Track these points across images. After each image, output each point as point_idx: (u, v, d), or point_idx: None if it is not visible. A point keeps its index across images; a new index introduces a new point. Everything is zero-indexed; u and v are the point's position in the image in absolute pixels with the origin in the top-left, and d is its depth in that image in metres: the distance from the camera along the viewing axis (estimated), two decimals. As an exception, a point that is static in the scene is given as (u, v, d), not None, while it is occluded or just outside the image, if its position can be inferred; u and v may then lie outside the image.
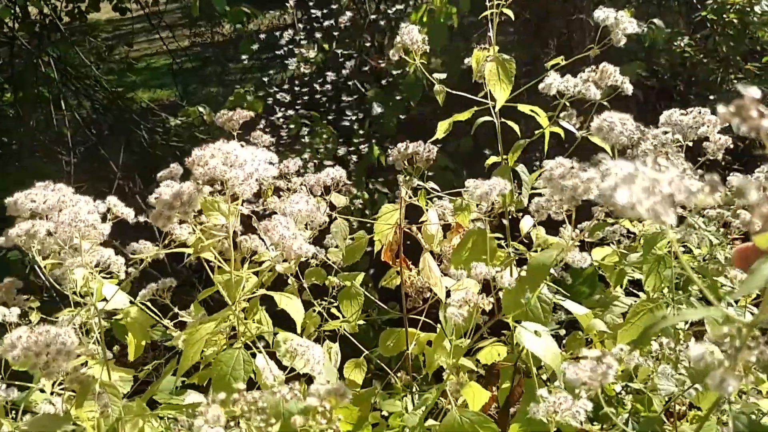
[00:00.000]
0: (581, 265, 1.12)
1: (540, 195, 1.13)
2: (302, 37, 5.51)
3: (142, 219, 1.17)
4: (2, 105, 5.58)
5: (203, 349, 1.04)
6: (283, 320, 1.29)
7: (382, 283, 1.64)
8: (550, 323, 1.76)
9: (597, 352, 0.70)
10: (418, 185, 1.42)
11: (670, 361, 1.33)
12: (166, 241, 1.10)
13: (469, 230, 1.36)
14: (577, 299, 1.44)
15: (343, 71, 5.30)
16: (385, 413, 1.49)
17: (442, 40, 3.99)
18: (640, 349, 1.36)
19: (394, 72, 4.91)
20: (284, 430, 0.75)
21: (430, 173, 1.42)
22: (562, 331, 2.04)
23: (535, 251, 1.35)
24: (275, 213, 1.14)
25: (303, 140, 4.47)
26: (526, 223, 1.41)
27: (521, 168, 1.37)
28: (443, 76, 1.44)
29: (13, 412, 1.23)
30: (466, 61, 1.42)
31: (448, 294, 1.43)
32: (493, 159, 1.44)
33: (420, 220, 1.51)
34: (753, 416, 1.43)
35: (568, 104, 1.30)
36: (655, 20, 4.46)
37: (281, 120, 4.72)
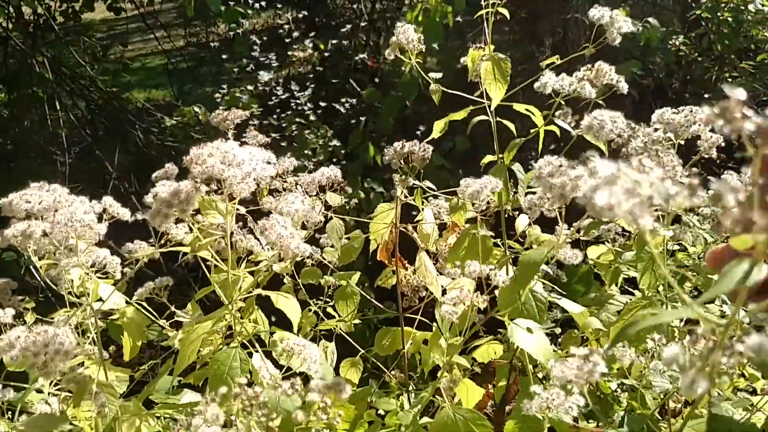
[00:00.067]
0: (573, 261, 1.12)
1: (535, 193, 1.13)
2: (297, 36, 5.51)
3: (138, 218, 1.17)
4: (-3, 106, 5.57)
5: (199, 349, 1.04)
6: (279, 320, 1.29)
7: (378, 283, 1.65)
8: (546, 321, 1.76)
9: (584, 350, 0.71)
10: (414, 184, 1.42)
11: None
12: (162, 241, 1.10)
13: (465, 229, 1.37)
14: (573, 297, 1.44)
15: (339, 71, 5.30)
16: (381, 412, 1.49)
17: (437, 39, 4.00)
18: (635, 347, 1.37)
19: (390, 71, 4.91)
20: (285, 424, 0.76)
21: (425, 172, 1.42)
22: (558, 330, 2.05)
23: (528, 248, 1.35)
24: (270, 212, 1.14)
25: (298, 139, 4.47)
26: (521, 222, 1.42)
27: (517, 167, 1.37)
28: (439, 75, 1.44)
29: (9, 413, 1.23)
30: (462, 60, 1.42)
31: (444, 293, 1.43)
32: (489, 158, 1.44)
33: (416, 219, 1.51)
34: (743, 413, 1.44)
35: (563, 103, 1.30)
36: (650, 19, 4.47)
37: (277, 119, 4.71)
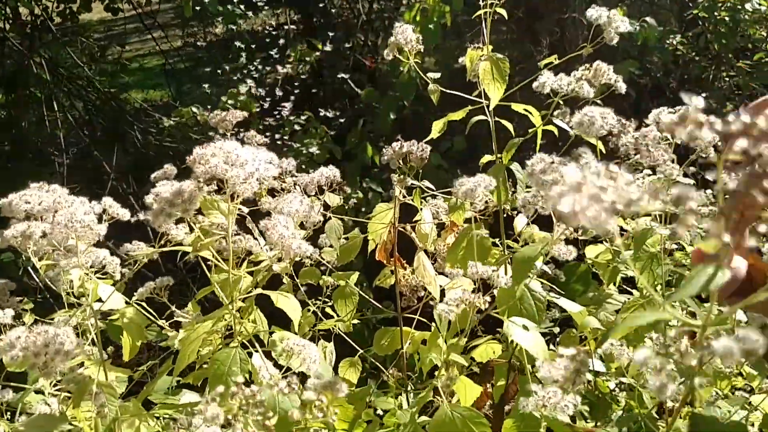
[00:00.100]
0: (567, 258, 1.13)
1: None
2: (295, 36, 5.51)
3: (136, 218, 1.18)
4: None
5: (199, 349, 1.05)
6: (277, 320, 1.29)
7: (376, 282, 1.65)
8: (545, 321, 1.76)
9: (572, 351, 0.71)
10: (413, 184, 1.42)
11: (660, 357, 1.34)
12: (162, 241, 1.10)
13: (464, 229, 1.37)
14: (571, 297, 1.45)
15: (337, 71, 5.31)
16: (379, 411, 1.50)
17: (435, 40, 4.00)
18: (633, 346, 1.37)
19: (388, 71, 4.91)
20: (282, 423, 0.76)
21: (423, 172, 1.42)
22: (557, 329, 2.05)
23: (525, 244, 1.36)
24: (269, 213, 1.14)
25: (296, 139, 4.47)
26: (520, 222, 1.42)
27: (516, 166, 1.38)
28: (438, 75, 1.44)
29: (8, 414, 1.23)
30: (460, 60, 1.43)
31: (442, 292, 1.43)
32: (487, 158, 1.44)
33: (414, 219, 1.51)
34: (741, 411, 1.44)
35: (561, 102, 1.30)
36: (648, 18, 4.48)
37: (275, 119, 4.72)
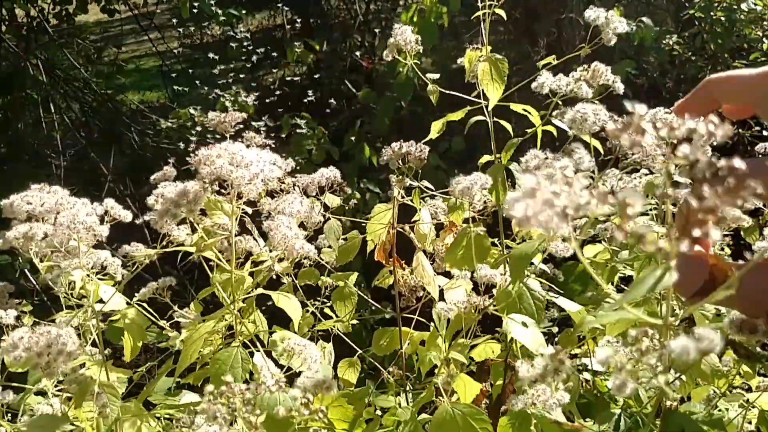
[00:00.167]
0: (564, 254, 1.14)
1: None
2: (292, 37, 5.52)
3: (134, 220, 1.18)
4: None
5: (200, 349, 1.05)
6: (276, 321, 1.30)
7: (375, 283, 1.65)
8: (543, 320, 1.77)
9: (551, 350, 0.71)
10: (411, 185, 1.43)
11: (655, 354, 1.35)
12: (164, 242, 1.11)
13: (463, 229, 1.37)
14: (570, 296, 1.45)
15: (334, 71, 5.31)
16: (379, 411, 1.50)
17: (432, 40, 4.01)
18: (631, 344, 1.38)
19: (385, 71, 4.92)
20: (273, 422, 0.76)
21: (421, 173, 1.43)
22: (555, 329, 2.06)
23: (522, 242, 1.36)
24: (270, 213, 1.15)
25: (294, 140, 4.48)
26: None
27: (514, 166, 1.38)
28: (437, 76, 1.45)
29: (9, 415, 1.23)
30: (459, 61, 1.43)
31: (441, 292, 1.44)
32: (486, 158, 1.45)
33: (413, 220, 1.52)
34: (738, 409, 1.45)
35: (560, 103, 1.31)
36: (644, 19, 4.50)
37: (272, 120, 4.72)
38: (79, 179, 4.65)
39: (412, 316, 1.57)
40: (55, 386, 1.16)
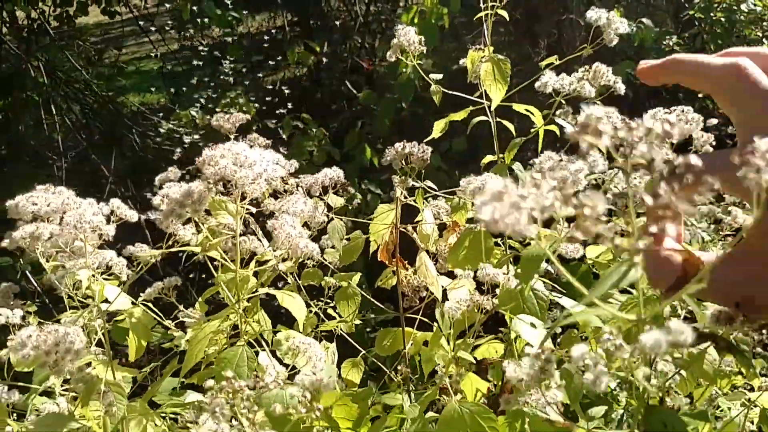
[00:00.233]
0: (574, 256, 1.14)
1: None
2: (292, 39, 5.53)
3: (136, 221, 1.18)
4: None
5: (205, 349, 1.05)
6: (280, 321, 1.30)
7: (378, 283, 1.65)
8: (546, 321, 1.77)
9: (536, 350, 0.72)
10: (414, 185, 1.43)
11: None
12: (170, 242, 1.11)
13: (466, 229, 1.38)
14: (573, 297, 1.46)
15: (334, 73, 5.32)
16: (380, 411, 1.50)
17: (433, 42, 4.01)
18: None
19: (386, 73, 4.92)
20: (273, 420, 0.76)
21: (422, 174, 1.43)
22: (558, 329, 2.06)
23: (528, 245, 1.37)
24: (273, 213, 1.15)
25: (295, 141, 4.48)
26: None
27: (517, 166, 1.39)
28: (440, 76, 1.46)
29: (14, 415, 1.23)
30: (461, 61, 1.44)
31: (444, 293, 1.44)
32: (489, 158, 1.45)
33: (415, 220, 1.52)
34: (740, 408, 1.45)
35: (564, 102, 1.31)
36: (644, 19, 4.51)
37: (273, 122, 4.73)
38: (80, 181, 4.65)
39: (414, 316, 1.57)
40: (61, 385, 1.17)
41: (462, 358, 1.20)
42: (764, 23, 4.65)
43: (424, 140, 1.41)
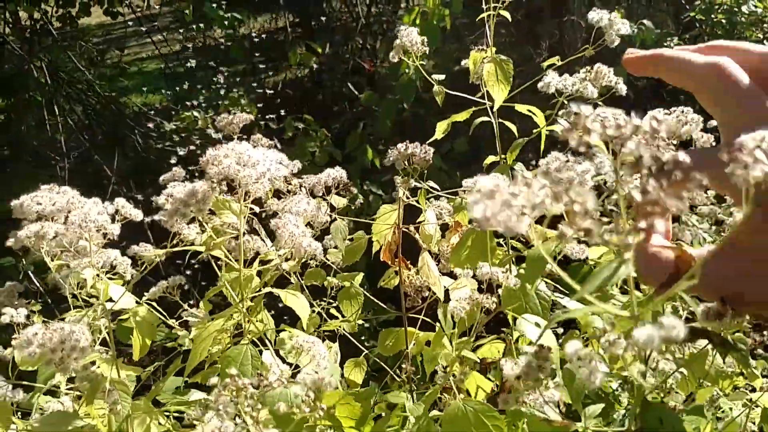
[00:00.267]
0: (580, 256, 1.14)
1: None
2: (294, 40, 5.54)
3: (140, 221, 1.19)
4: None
5: (209, 348, 1.06)
6: (283, 321, 1.31)
7: (381, 284, 1.66)
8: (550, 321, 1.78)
9: (532, 348, 0.72)
10: (416, 186, 1.44)
11: (660, 351, 1.37)
12: (175, 241, 1.12)
13: (468, 229, 1.38)
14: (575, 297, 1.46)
15: (336, 74, 5.33)
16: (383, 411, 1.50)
17: (434, 43, 4.02)
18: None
19: (387, 74, 4.93)
20: (273, 416, 0.77)
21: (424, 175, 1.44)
22: (560, 330, 2.07)
23: (531, 245, 1.37)
24: (276, 214, 1.16)
25: (297, 143, 4.49)
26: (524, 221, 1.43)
27: (519, 166, 1.39)
28: (443, 77, 1.46)
29: (19, 414, 1.24)
30: (463, 62, 1.44)
31: (446, 293, 1.45)
32: (491, 158, 1.46)
33: (417, 220, 1.53)
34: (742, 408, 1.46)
35: (566, 102, 1.32)
36: (645, 21, 4.51)
37: (275, 123, 4.73)
38: (82, 182, 4.66)
39: (416, 316, 1.57)
40: (66, 384, 1.17)
41: (466, 356, 1.21)
42: (765, 25, 4.65)
43: (425, 142, 1.42)
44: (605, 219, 0.41)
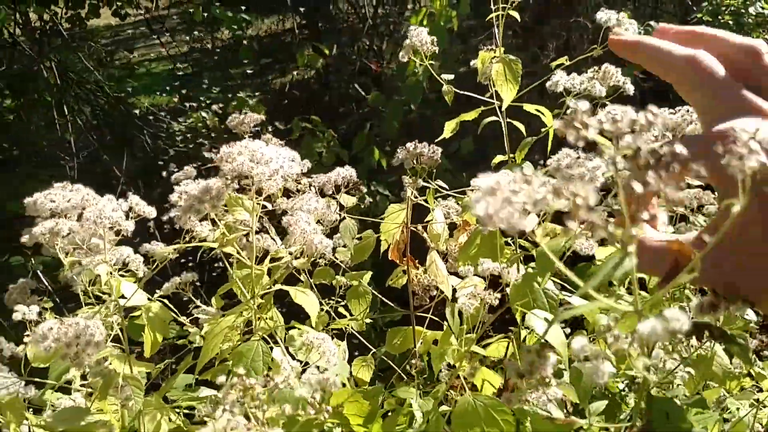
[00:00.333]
0: (588, 252, 1.15)
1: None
2: (301, 41, 5.55)
3: (150, 220, 1.21)
4: (3, 110, 5.61)
5: (220, 345, 1.07)
6: (292, 318, 1.31)
7: (389, 283, 1.66)
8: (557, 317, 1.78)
9: (536, 347, 0.73)
10: (424, 185, 1.44)
11: (667, 351, 1.37)
12: (187, 238, 1.13)
13: (477, 228, 1.39)
14: (583, 296, 1.47)
15: (343, 75, 5.33)
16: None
17: (441, 44, 4.02)
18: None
19: (394, 75, 4.93)
20: (281, 416, 0.78)
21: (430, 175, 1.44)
22: (567, 329, 2.07)
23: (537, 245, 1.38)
24: (285, 212, 1.17)
25: (304, 143, 4.50)
26: (531, 220, 1.44)
27: (527, 165, 1.40)
28: (451, 76, 1.47)
29: (30, 410, 1.25)
30: (471, 63, 1.45)
31: (454, 292, 1.45)
32: (499, 158, 1.47)
33: (426, 220, 1.53)
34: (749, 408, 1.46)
35: (575, 101, 1.32)
36: (651, 22, 4.50)
37: (282, 123, 4.74)
38: (91, 182, 4.66)
39: (424, 315, 1.58)
40: (82, 378, 1.19)
41: (475, 352, 1.22)
42: (773, 26, 4.64)
43: (434, 141, 1.42)
44: (612, 216, 0.42)
